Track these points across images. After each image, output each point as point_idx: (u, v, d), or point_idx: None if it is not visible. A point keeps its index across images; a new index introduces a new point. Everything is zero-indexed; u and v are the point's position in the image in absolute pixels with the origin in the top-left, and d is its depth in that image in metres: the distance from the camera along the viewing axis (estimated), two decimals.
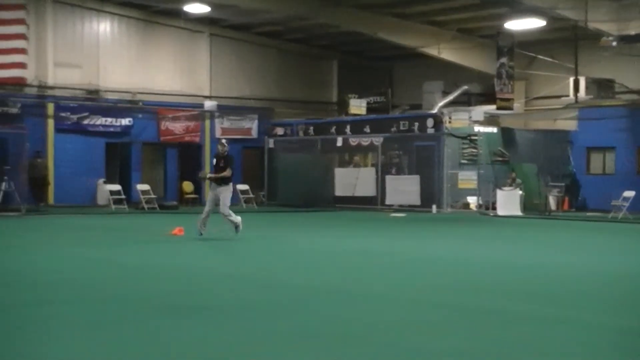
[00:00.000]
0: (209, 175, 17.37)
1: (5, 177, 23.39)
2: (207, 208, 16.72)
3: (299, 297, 9.55)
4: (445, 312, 8.51)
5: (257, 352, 6.64)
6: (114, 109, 30.90)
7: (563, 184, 29.63)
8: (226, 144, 17.44)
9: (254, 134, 34.47)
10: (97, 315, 8.14)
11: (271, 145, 34.04)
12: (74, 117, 29.95)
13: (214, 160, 17.26)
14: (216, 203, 16.60)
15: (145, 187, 29.12)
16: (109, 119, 30.78)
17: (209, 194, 17.25)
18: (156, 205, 28.31)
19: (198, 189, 32.09)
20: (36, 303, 8.90)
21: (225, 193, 16.57)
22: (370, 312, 8.50)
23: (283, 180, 32.43)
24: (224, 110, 33.60)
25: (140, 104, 31.46)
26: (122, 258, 13.52)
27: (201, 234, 16.57)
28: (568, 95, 28.45)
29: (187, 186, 31.79)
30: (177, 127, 32.53)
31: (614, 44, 25.20)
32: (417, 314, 8.50)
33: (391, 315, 8.37)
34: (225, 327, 7.60)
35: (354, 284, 10.63)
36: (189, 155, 32.76)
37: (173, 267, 12.32)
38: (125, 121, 31.15)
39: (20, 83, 29.08)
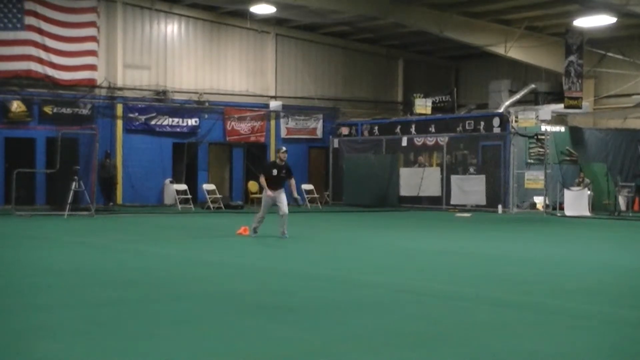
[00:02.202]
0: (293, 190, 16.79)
1: (76, 177, 23.85)
2: (263, 214, 16.76)
3: (382, 296, 9.56)
4: (528, 314, 8.41)
5: (341, 352, 6.63)
6: (181, 110, 31.33)
7: (634, 184, 29.02)
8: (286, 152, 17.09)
9: (319, 134, 34.56)
10: (184, 313, 8.25)
11: (336, 145, 34.09)
12: (142, 117, 30.46)
13: (275, 171, 16.63)
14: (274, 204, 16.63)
15: (211, 186, 29.47)
16: (176, 120, 31.21)
17: (265, 199, 16.85)
18: (222, 205, 28.60)
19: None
20: (140, 300, 9.09)
21: (284, 195, 16.55)
22: (453, 312, 8.48)
23: (348, 180, 32.45)
24: (289, 110, 33.79)
25: (207, 104, 31.82)
26: (203, 256, 13.78)
27: (256, 233, 16.80)
28: (639, 94, 27.85)
29: (253, 186, 32.02)
30: (243, 127, 32.80)
31: None
32: (501, 314, 8.43)
33: (476, 316, 8.32)
34: (310, 327, 7.62)
35: (434, 283, 10.58)
36: (254, 155, 33.02)
37: (251, 267, 12.43)
38: (192, 121, 31.54)
39: (90, 84, 29.68)
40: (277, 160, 16.89)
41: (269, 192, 16.47)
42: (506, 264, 13.08)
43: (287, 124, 33.87)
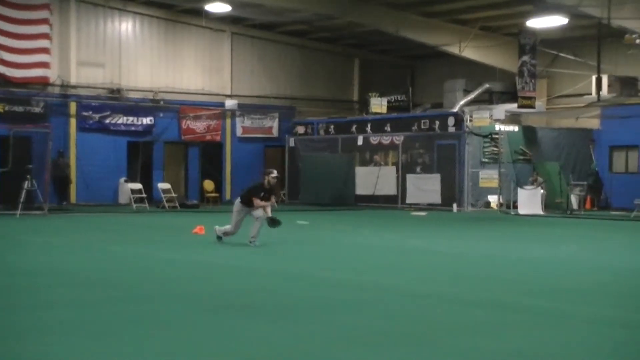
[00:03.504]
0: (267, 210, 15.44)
1: (28, 176, 23.53)
2: (234, 229, 15.58)
3: (348, 294, 9.62)
4: (495, 312, 8.51)
5: (311, 352, 6.67)
6: (136, 108, 31.06)
7: (585, 183, 29.44)
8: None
9: (275, 132, 34.53)
10: (149, 314, 8.23)
11: (292, 144, 34.09)
12: (97, 116, 30.14)
13: (262, 194, 15.32)
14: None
15: (167, 186, 29.28)
16: (131, 118, 30.95)
17: (237, 213, 15.56)
18: (177, 204, 28.42)
19: (219, 188, 32.24)
20: (101, 301, 8.99)
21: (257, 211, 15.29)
22: (417, 311, 8.56)
23: (304, 179, 32.46)
24: (245, 109, 33.69)
25: (162, 103, 31.59)
26: (161, 254, 13.78)
27: (220, 239, 15.78)
28: (591, 94, 28.25)
29: (209, 185, 31.88)
30: (198, 126, 32.64)
31: (638, 41, 24.99)
32: (469, 313, 8.51)
33: (440, 315, 8.40)
34: (281, 326, 7.65)
35: (398, 281, 10.65)
36: (210, 154, 32.88)
37: (210, 265, 12.39)
38: (147, 120, 31.30)
39: (43, 82, 29.28)
40: (266, 184, 15.54)
41: (261, 209, 15.28)
42: (466, 262, 13.17)
43: (243, 122, 33.78)
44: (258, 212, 15.27)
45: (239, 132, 33.62)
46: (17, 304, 8.73)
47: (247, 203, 15.37)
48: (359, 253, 14.63)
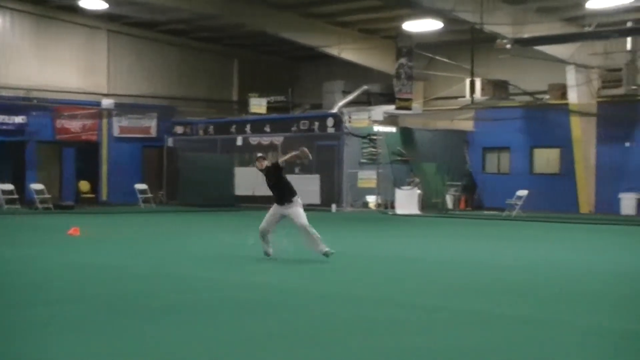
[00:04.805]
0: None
1: None
2: (267, 226, 13.19)
3: (261, 296, 9.51)
4: (389, 310, 8.55)
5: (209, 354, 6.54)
6: (8, 107, 29.99)
7: (460, 183, 30.24)
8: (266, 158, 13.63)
9: (154, 132, 34.02)
10: (72, 317, 8.00)
11: (171, 144, 33.69)
12: None
13: (266, 180, 13.25)
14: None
15: (40, 186, 28.36)
16: (2, 117, 29.91)
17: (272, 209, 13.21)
18: (51, 205, 27.61)
19: (95, 188, 31.56)
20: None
21: (297, 209, 13.00)
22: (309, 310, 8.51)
23: (183, 179, 32.10)
24: (122, 108, 33.05)
25: (35, 101, 30.61)
26: (39, 256, 13.21)
27: (269, 255, 13.14)
28: (465, 96, 29.02)
29: (84, 185, 31.13)
30: (74, 125, 31.82)
31: (509, 46, 25.79)
32: (362, 311, 8.51)
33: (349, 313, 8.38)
34: (173, 327, 7.49)
35: (274, 280, 10.61)
36: (86, 154, 32.10)
37: (91, 266, 12.07)
38: (20, 119, 30.31)
39: None
40: (258, 168, 13.41)
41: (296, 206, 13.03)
42: (349, 261, 13.24)
43: (120, 122, 33.14)
44: (298, 220, 12.85)
45: (116, 131, 32.97)
46: None
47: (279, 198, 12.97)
48: (234, 252, 14.52)
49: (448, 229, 21.85)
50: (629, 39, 27.61)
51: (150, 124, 33.93)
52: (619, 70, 27.61)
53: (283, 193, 13.07)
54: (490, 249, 16.11)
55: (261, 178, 13.70)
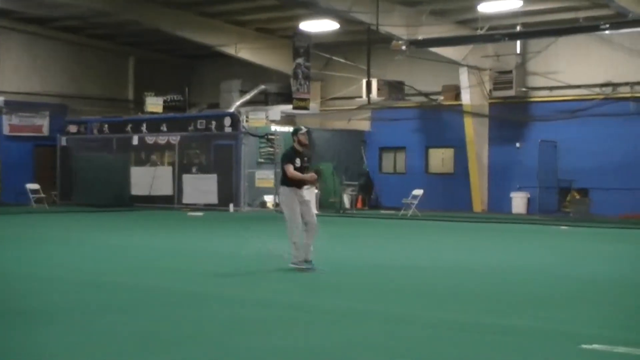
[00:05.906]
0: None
1: None
2: (298, 220, 12.16)
3: (126, 297, 9.40)
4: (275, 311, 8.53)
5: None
6: None
7: (357, 183, 30.54)
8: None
9: (46, 131, 33.18)
10: None
11: (64, 143, 32.92)
12: None
13: (298, 161, 11.97)
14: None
15: None
16: None
17: (290, 199, 12.08)
18: None
19: None
20: None
21: (314, 197, 11.59)
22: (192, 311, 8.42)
23: (78, 179, 31.39)
24: (12, 106, 32.09)
25: None
26: None
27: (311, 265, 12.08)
28: (361, 97, 29.32)
29: None
30: None
31: (404, 47, 26.18)
32: (243, 312, 8.46)
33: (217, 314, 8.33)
34: (47, 331, 7.33)
35: (167, 282, 10.49)
36: None
37: None
38: None
39: None
40: (296, 145, 12.10)
41: (307, 183, 12.17)
42: (239, 262, 13.22)
43: (10, 120, 32.20)
44: (309, 217, 12.17)
45: (5, 130, 32.03)
46: None
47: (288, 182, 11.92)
48: (119, 254, 14.31)
49: (343, 228, 22.02)
50: (518, 42, 28.46)
51: (43, 123, 33.07)
52: (510, 72, 28.42)
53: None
54: (380, 247, 16.36)
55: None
